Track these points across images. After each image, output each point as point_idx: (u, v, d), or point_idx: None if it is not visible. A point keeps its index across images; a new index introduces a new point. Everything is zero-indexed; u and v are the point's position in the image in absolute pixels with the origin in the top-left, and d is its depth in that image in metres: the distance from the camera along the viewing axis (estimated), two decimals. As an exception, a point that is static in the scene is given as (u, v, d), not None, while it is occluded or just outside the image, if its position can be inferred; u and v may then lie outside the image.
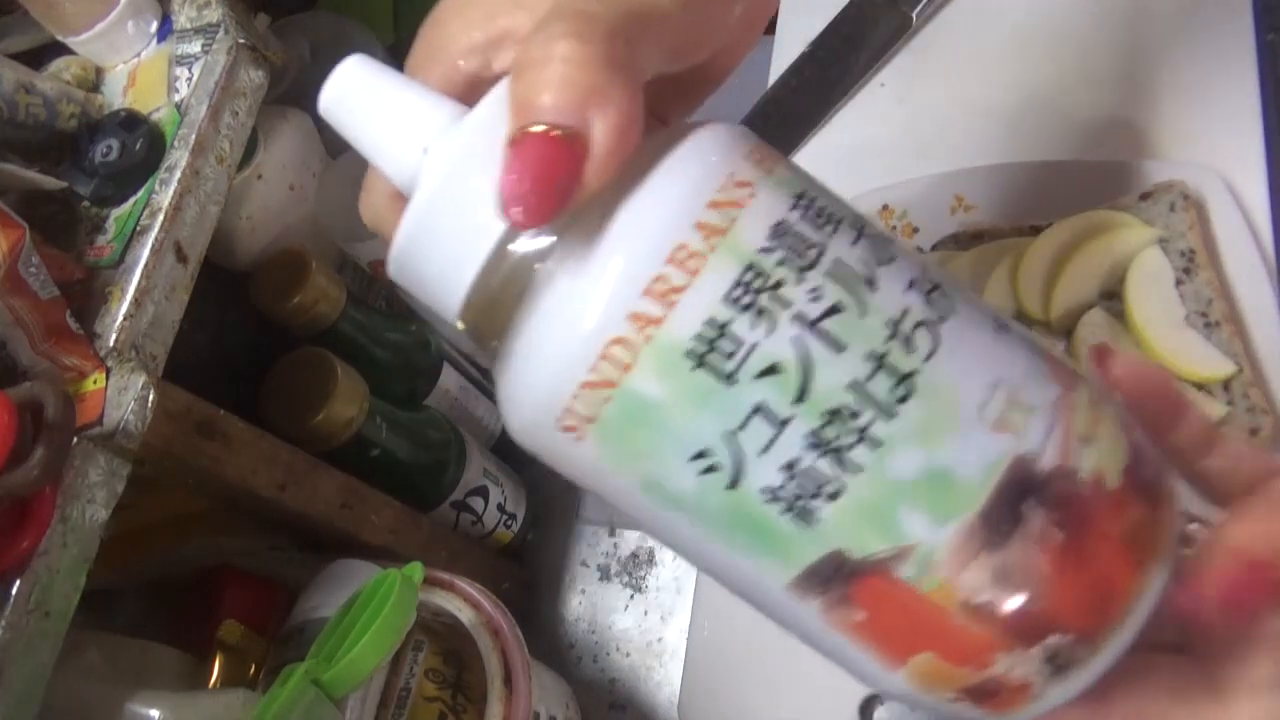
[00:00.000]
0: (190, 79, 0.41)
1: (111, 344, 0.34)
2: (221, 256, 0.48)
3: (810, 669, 0.43)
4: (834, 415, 0.19)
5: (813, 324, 0.19)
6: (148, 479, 0.36)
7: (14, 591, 0.30)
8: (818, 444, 0.19)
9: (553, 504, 0.64)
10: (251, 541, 0.46)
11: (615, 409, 0.19)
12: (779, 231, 0.19)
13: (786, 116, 0.63)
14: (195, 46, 0.42)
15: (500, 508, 0.58)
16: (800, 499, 0.19)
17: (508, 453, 0.64)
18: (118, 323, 0.35)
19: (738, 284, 0.19)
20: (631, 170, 0.20)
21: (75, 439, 0.32)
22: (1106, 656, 0.20)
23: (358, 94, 0.22)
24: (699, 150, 0.20)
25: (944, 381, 0.19)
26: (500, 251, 0.20)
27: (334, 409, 0.45)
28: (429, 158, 0.21)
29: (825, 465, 0.19)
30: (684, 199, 0.19)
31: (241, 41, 0.42)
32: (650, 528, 0.21)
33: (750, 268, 0.19)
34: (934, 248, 0.53)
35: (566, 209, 0.19)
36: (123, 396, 0.33)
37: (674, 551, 0.22)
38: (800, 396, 0.19)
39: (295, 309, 0.47)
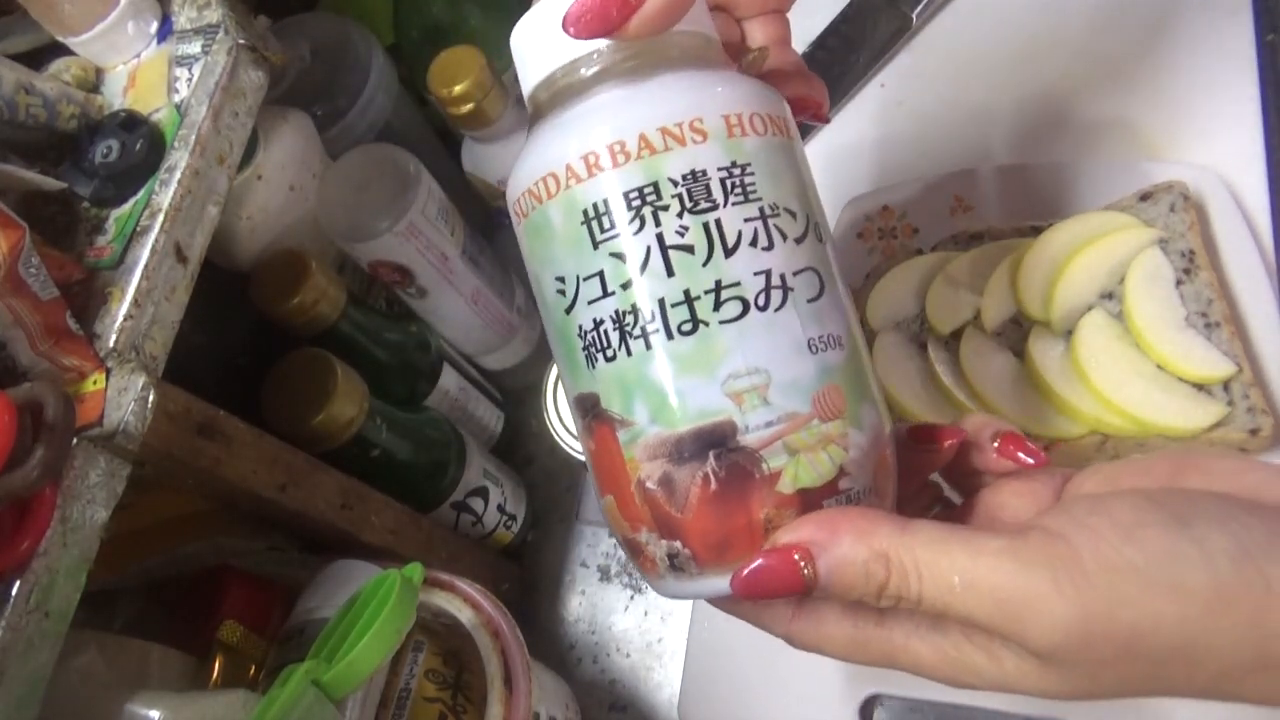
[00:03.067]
0: (190, 79, 0.41)
1: (111, 345, 0.34)
2: (221, 256, 0.48)
3: (810, 669, 0.43)
4: (636, 310, 0.25)
5: (664, 246, 0.24)
6: (148, 479, 0.36)
7: (14, 592, 0.30)
8: (617, 320, 0.25)
9: (553, 504, 0.64)
10: (251, 541, 0.46)
11: (535, 217, 0.26)
12: (693, 177, 0.25)
13: (786, 117, 0.63)
14: (195, 47, 0.42)
15: (500, 508, 0.58)
16: (591, 347, 0.25)
17: (508, 453, 0.64)
18: (118, 323, 0.35)
19: (638, 190, 0.25)
20: (661, 59, 0.26)
21: (75, 440, 0.32)
22: (705, 584, 0.26)
23: None
24: (696, 85, 0.26)
25: (720, 343, 0.24)
26: (551, 78, 0.27)
27: (334, 409, 0.45)
28: None
29: (614, 337, 0.25)
30: (647, 114, 0.25)
31: (241, 42, 0.42)
32: (542, 317, 0.28)
33: (653, 185, 0.25)
34: (934, 248, 0.53)
35: (606, 36, 0.25)
36: (123, 397, 0.33)
37: (548, 339, 0.28)
38: (626, 285, 0.25)
39: (295, 309, 0.47)
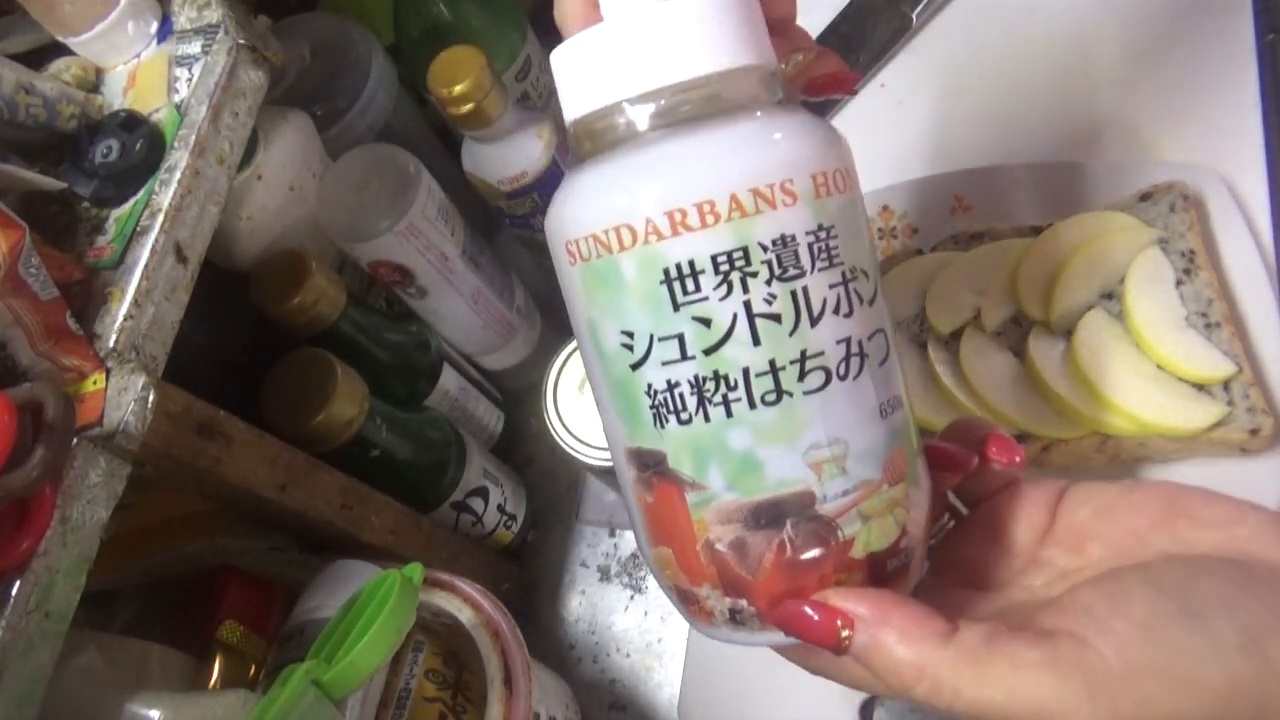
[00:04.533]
0: (190, 79, 0.41)
1: (111, 345, 0.34)
2: (221, 256, 0.48)
3: (810, 669, 0.42)
4: (719, 378, 0.24)
5: (752, 315, 0.24)
6: (148, 479, 0.36)
7: (14, 592, 0.30)
8: (696, 385, 0.24)
9: (553, 504, 0.64)
10: (251, 541, 0.46)
11: (600, 265, 0.25)
12: (783, 242, 0.24)
13: (786, 117, 0.63)
14: (195, 47, 0.42)
15: (500, 508, 0.58)
16: (663, 408, 0.25)
17: (508, 453, 0.64)
18: (118, 323, 0.35)
19: (727, 254, 0.23)
20: (739, 109, 0.25)
21: (75, 440, 0.32)
22: (763, 638, 0.26)
23: None
24: (786, 138, 0.25)
25: (803, 413, 0.24)
26: (618, 106, 0.25)
27: (334, 409, 0.45)
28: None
29: (691, 401, 0.24)
30: (742, 171, 0.24)
31: (241, 42, 0.42)
32: (585, 358, 0.27)
33: (743, 250, 0.23)
34: (934, 248, 0.53)
35: None
36: (123, 397, 0.33)
37: (590, 380, 0.27)
38: (709, 350, 0.24)
39: (295, 309, 0.47)
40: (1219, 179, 0.48)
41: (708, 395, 0.24)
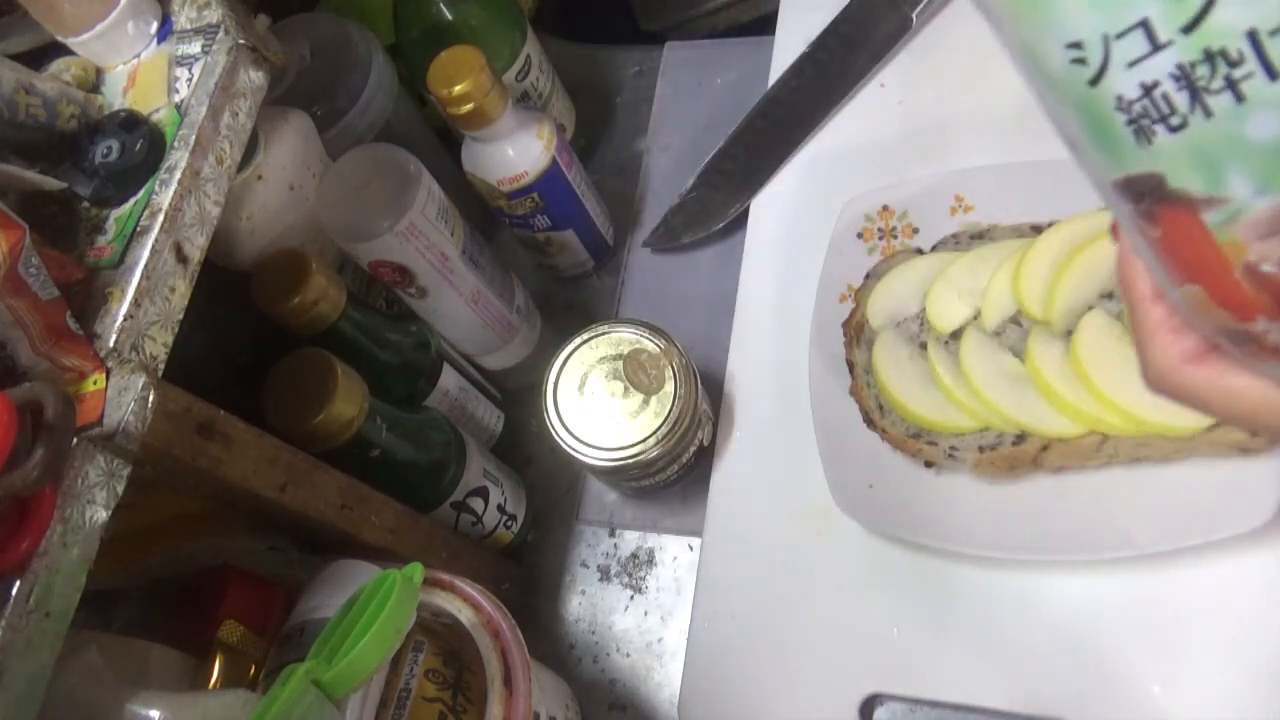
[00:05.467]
0: (190, 79, 0.41)
1: (111, 344, 0.34)
2: (221, 256, 0.48)
3: (810, 669, 0.43)
4: (1214, 56, 0.19)
5: None
6: (148, 479, 0.36)
7: (14, 592, 0.30)
8: (1183, 77, 0.19)
9: (553, 504, 0.64)
10: (251, 542, 0.46)
11: None
12: None
13: (787, 116, 0.63)
14: (195, 47, 0.42)
15: (500, 508, 0.58)
16: (1144, 119, 0.20)
17: (508, 453, 0.64)
18: (118, 323, 0.35)
19: None
20: None
21: (75, 439, 0.32)
22: None
23: None
24: None
25: None
26: None
27: (334, 409, 0.45)
28: None
29: (1180, 99, 0.19)
30: None
31: (241, 42, 0.42)
32: (1035, 93, 0.23)
33: None
34: (934, 248, 0.53)
35: None
36: (123, 397, 0.33)
37: (1050, 118, 0.22)
38: (1190, 27, 0.19)
39: (295, 309, 0.47)
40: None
41: (1202, 84, 0.19)
